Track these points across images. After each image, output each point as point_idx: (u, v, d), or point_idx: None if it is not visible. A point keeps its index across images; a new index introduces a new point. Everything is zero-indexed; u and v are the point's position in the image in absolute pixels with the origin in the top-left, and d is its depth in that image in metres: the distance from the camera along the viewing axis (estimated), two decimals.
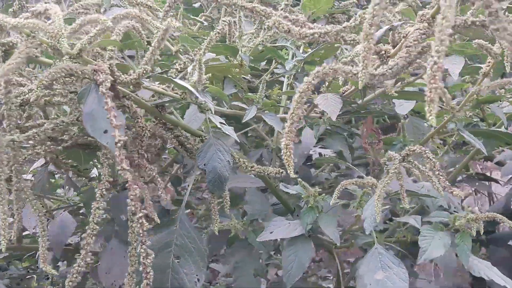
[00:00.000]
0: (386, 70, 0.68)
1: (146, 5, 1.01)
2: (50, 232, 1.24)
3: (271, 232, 1.01)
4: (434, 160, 0.78)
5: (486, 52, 0.94)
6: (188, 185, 1.01)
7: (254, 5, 0.82)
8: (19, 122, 0.92)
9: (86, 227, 0.76)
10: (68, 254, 1.38)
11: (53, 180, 1.44)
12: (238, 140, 0.95)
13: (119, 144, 0.64)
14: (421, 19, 0.75)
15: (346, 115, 1.14)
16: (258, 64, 1.32)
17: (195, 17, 1.50)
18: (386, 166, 0.84)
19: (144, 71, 0.77)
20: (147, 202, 0.86)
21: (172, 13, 1.51)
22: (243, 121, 1.03)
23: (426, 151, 0.78)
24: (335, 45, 1.03)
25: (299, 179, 0.97)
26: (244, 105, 1.07)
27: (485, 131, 1.16)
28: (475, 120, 1.34)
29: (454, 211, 1.42)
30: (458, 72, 1.10)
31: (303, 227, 0.97)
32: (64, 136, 0.92)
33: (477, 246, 1.57)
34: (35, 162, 1.21)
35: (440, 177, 0.77)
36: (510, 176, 1.57)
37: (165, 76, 0.88)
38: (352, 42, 0.85)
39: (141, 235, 0.65)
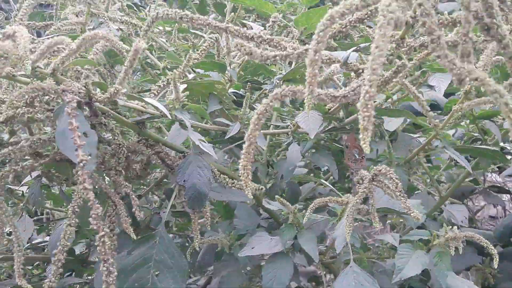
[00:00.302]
0: (348, 92, 0.68)
1: (131, 23, 1.03)
2: (50, 242, 1.26)
3: (252, 248, 1.02)
4: (397, 181, 0.77)
5: None
6: (170, 200, 1.02)
7: (227, 25, 0.83)
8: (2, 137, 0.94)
9: (58, 243, 0.77)
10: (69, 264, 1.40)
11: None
12: (216, 158, 0.96)
13: (81, 164, 0.65)
14: (390, 40, 0.75)
15: (332, 132, 1.15)
16: (258, 77, 1.34)
17: (195, 31, 1.52)
18: (358, 185, 0.84)
19: (116, 90, 0.78)
20: (123, 218, 0.87)
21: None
22: (226, 137, 1.04)
23: (390, 172, 0.78)
24: None
25: (277, 196, 0.98)
26: (228, 122, 1.08)
27: (473, 148, 1.16)
28: (475, 134, 1.33)
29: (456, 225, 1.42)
30: (444, 89, 1.10)
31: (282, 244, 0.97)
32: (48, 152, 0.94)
33: (488, 260, 1.56)
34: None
35: (401, 198, 0.77)
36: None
37: (135, 95, 0.89)
38: (328, 61, 0.86)
39: (103, 253, 0.66)
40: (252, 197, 0.65)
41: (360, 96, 0.47)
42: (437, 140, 1.07)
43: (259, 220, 1.21)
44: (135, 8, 1.91)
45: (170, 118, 0.84)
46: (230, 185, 0.98)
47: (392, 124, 1.15)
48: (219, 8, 2.06)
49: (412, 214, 0.75)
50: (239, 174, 0.65)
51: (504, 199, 2.10)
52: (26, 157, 0.98)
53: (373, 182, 0.79)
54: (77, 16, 1.02)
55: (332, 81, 0.96)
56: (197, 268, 1.34)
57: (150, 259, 0.95)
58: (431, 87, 1.11)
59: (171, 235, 1.54)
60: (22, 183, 1.23)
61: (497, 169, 1.72)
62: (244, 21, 1.45)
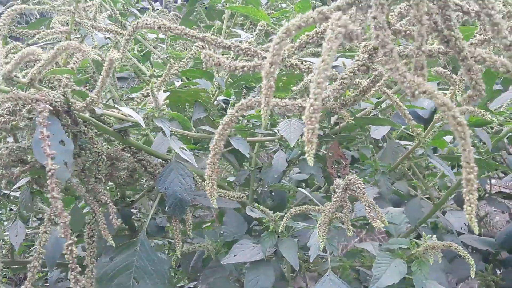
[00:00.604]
0: None
1: (116, 31, 1.05)
2: (45, 248, 1.28)
3: (235, 255, 1.02)
4: (363, 190, 0.78)
5: (446, 79, 0.93)
6: (151, 207, 1.03)
7: (204, 35, 0.83)
8: None
9: (34, 251, 0.78)
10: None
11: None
12: (196, 165, 0.97)
13: (49, 173, 0.66)
14: (363, 50, 0.75)
15: (319, 139, 1.15)
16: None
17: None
18: (334, 193, 0.84)
19: (91, 100, 0.79)
20: (102, 225, 0.88)
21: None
22: (210, 145, 1.04)
23: (358, 182, 0.78)
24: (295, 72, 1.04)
25: (256, 204, 0.98)
26: (212, 129, 1.09)
27: (457, 156, 1.15)
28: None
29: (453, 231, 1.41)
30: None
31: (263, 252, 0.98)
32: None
33: (491, 268, 1.55)
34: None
35: (367, 207, 0.77)
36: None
37: (111, 104, 0.90)
38: (306, 70, 0.87)
39: (71, 261, 0.67)
40: (216, 206, 0.65)
41: (306, 109, 0.47)
42: (421, 148, 1.07)
43: (246, 228, 1.22)
44: (138, 13, 1.93)
45: (144, 127, 0.85)
46: None
47: (379, 132, 1.15)
48: (218, 14, 2.08)
49: (373, 224, 0.75)
50: (206, 183, 0.65)
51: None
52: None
53: (347, 191, 0.80)
54: (63, 25, 1.03)
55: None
56: (190, 273, 1.34)
57: (131, 265, 0.96)
58: None
59: (166, 241, 1.56)
60: (13, 188, 1.24)
61: (503, 175, 1.72)
62: (232, 29, 1.45)
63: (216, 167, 0.65)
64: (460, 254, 0.88)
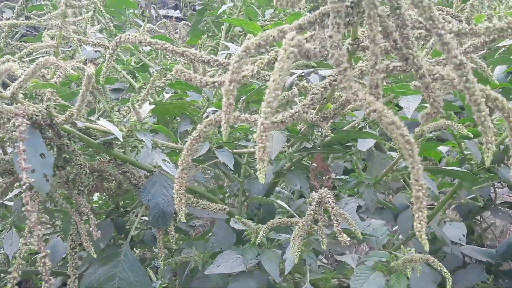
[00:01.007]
0: (286, 117, 0.70)
1: (104, 45, 1.06)
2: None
3: (218, 266, 1.03)
4: (332, 204, 0.78)
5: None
6: (136, 219, 1.04)
7: (184, 49, 0.85)
8: None
9: (13, 262, 0.80)
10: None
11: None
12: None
13: (24, 187, 0.68)
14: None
15: (304, 152, 1.16)
16: None
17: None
18: (310, 206, 0.85)
19: (70, 113, 0.81)
20: (84, 237, 0.90)
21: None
22: (194, 157, 1.06)
23: (328, 196, 0.79)
24: None
25: (237, 216, 0.99)
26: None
27: (441, 169, 1.16)
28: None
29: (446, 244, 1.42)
30: (413, 110, 1.11)
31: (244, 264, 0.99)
32: None
33: (492, 279, 1.55)
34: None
35: (335, 221, 0.77)
36: None
37: (89, 118, 0.92)
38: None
39: (44, 273, 0.68)
40: (184, 220, 0.66)
41: (257, 128, 0.49)
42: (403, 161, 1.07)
43: (235, 238, 1.22)
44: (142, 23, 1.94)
45: (121, 140, 0.87)
46: (194, 204, 1.00)
47: (365, 144, 1.16)
48: (217, 26, 2.10)
49: (339, 238, 0.76)
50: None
51: None
52: None
53: (322, 205, 0.80)
54: (52, 39, 1.05)
55: (293, 103, 0.98)
56: (181, 284, 1.35)
57: (115, 276, 0.98)
58: (400, 108, 1.11)
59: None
60: (7, 197, 1.26)
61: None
62: (223, 41, 1.47)
63: (184, 182, 0.66)
64: (443, 272, 0.88)
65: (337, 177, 1.36)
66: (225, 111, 0.56)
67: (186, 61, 1.16)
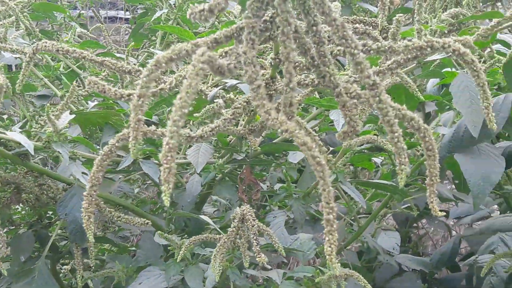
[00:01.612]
0: (206, 132, 0.68)
1: (23, 52, 1.01)
2: None
3: (140, 283, 0.99)
4: (253, 222, 0.77)
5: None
6: (52, 235, 0.99)
7: (103, 59, 0.81)
8: None
9: None
10: None
11: None
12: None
13: None
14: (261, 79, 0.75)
15: (234, 163, 1.14)
16: None
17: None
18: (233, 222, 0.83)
19: None
20: None
21: None
22: (118, 169, 1.02)
23: (249, 212, 0.78)
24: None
25: (159, 232, 0.96)
26: (123, 153, 1.06)
27: (371, 182, 1.16)
28: None
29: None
30: (342, 123, 1.11)
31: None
32: None
33: (425, 287, 1.57)
34: None
35: (254, 240, 0.76)
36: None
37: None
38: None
39: None
40: (92, 239, 0.63)
41: (162, 147, 0.46)
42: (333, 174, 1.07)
43: (161, 252, 1.19)
44: (79, 27, 1.87)
45: (32, 153, 0.82)
46: (116, 219, 0.97)
47: (296, 156, 1.15)
48: (154, 32, 2.05)
49: (258, 259, 0.75)
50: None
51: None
52: None
53: (245, 221, 0.78)
54: None
55: (221, 115, 0.96)
56: None
57: None
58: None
59: None
60: None
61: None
62: (152, 49, 1.44)
63: (93, 199, 0.63)
64: (361, 282, 0.88)
65: (269, 189, 1.35)
66: (133, 127, 0.53)
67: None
